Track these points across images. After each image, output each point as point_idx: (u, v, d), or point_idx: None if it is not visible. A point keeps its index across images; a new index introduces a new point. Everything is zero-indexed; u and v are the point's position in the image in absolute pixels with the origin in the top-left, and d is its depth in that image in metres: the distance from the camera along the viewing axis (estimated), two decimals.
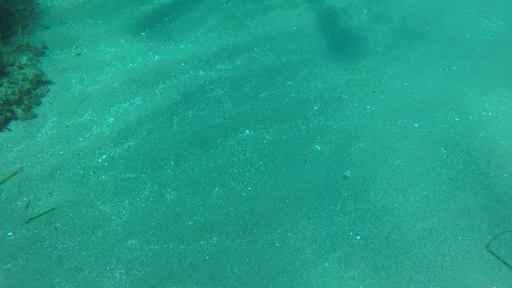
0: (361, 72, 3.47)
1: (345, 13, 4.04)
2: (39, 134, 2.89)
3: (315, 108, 3.17)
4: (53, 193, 2.61)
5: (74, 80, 3.26)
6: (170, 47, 3.59)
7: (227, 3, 3.99)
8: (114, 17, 3.84)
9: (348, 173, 2.77)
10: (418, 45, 3.79)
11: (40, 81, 3.14)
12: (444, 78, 3.50)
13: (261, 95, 3.25)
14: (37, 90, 3.11)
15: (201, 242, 2.42)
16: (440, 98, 3.33)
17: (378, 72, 3.50)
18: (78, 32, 3.65)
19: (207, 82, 3.29)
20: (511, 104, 3.28)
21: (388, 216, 2.58)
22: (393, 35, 3.84)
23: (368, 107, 3.23)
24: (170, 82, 3.30)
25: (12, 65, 3.08)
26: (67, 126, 2.96)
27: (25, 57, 3.21)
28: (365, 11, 4.09)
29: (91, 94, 3.15)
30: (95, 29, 3.70)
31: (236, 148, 2.89)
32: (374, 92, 3.34)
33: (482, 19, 4.11)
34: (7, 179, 2.61)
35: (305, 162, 2.81)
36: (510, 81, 3.45)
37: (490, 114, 3.28)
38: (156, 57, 3.50)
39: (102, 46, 3.57)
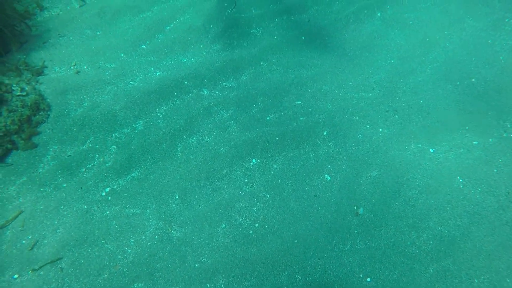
0: (373, 89, 3.28)
1: (357, 18, 3.78)
2: (41, 165, 2.83)
3: (325, 133, 3.02)
4: (58, 230, 2.58)
5: (74, 102, 3.14)
6: (172, 62, 3.42)
7: (232, 9, 3.75)
8: (113, 27, 3.65)
9: (361, 211, 2.67)
10: (435, 54, 3.55)
11: (40, 107, 3.03)
12: (462, 93, 3.30)
13: (268, 118, 3.10)
14: (37, 116, 3.01)
15: (208, 286, 2.39)
16: (457, 118, 3.15)
17: (392, 88, 3.30)
18: (77, 47, 3.48)
19: (211, 104, 3.15)
20: None
21: (399, 256, 2.50)
22: (408, 43, 3.60)
23: (380, 129, 3.07)
24: (173, 103, 3.17)
25: (10, 91, 2.97)
26: (69, 155, 2.88)
27: (23, 82, 3.08)
28: (379, 14, 3.82)
29: (92, 119, 3.05)
30: (94, 42, 3.53)
31: (242, 179, 2.80)
32: (387, 111, 3.17)
33: (507, 20, 3.82)
34: (8, 224, 2.57)
35: (314, 196, 2.71)
36: None
37: (511, 136, 3.10)
38: (158, 73, 3.35)
39: (102, 62, 3.42)
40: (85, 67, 3.39)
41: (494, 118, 3.18)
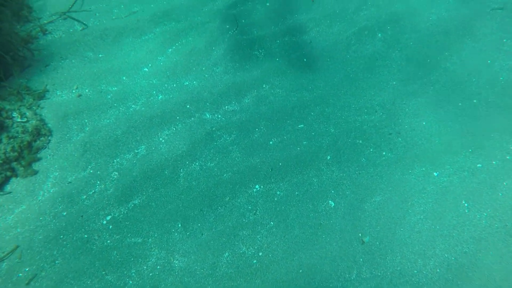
0: (376, 112, 3.27)
1: (358, 39, 3.79)
2: (41, 193, 2.79)
3: (328, 157, 3.00)
4: (57, 262, 2.52)
5: (75, 127, 3.12)
6: (174, 85, 3.42)
7: (234, 30, 3.76)
8: (115, 50, 3.65)
9: (367, 239, 2.63)
10: (436, 76, 3.55)
11: (41, 132, 3.01)
12: (464, 115, 3.29)
13: (271, 142, 3.08)
14: (38, 142, 2.98)
15: None
16: (460, 141, 3.13)
17: (394, 110, 3.30)
18: (79, 70, 3.48)
19: (214, 128, 3.13)
20: None
21: (406, 285, 2.46)
22: (409, 64, 3.60)
23: (384, 153, 3.05)
24: (175, 128, 3.14)
25: (11, 117, 2.95)
26: (69, 182, 2.84)
27: (24, 107, 3.07)
28: (379, 35, 3.84)
29: (93, 144, 3.02)
30: (96, 65, 3.52)
31: (246, 206, 2.76)
32: (390, 134, 3.15)
33: (505, 40, 3.84)
34: (3, 259, 2.52)
35: (319, 224, 2.67)
36: None
37: None
38: (160, 97, 3.34)
39: (104, 85, 3.40)
40: (86, 90, 3.38)
41: (497, 140, 3.16)
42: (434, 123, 3.24)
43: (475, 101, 3.40)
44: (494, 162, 3.07)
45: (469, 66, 3.62)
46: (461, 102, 3.38)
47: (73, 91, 3.37)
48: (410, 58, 3.62)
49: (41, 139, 3.01)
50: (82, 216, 2.70)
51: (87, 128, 3.13)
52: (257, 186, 2.85)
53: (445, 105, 3.36)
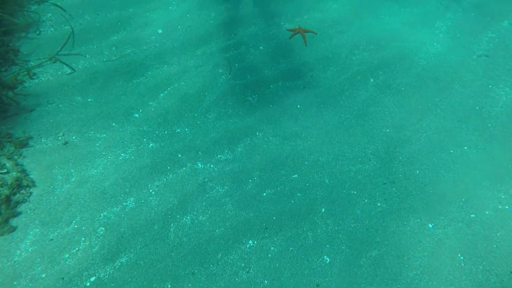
0: (370, 161, 3.25)
1: (351, 84, 3.82)
2: (18, 252, 2.63)
3: (323, 210, 2.94)
4: None
5: (60, 177, 2.99)
6: (166, 132, 3.34)
7: (227, 75, 3.74)
8: (105, 94, 3.58)
9: None
10: (428, 122, 3.58)
11: (22, 184, 2.87)
12: (456, 163, 3.30)
13: (264, 194, 3.01)
14: (18, 195, 2.84)
15: None
16: (453, 190, 3.12)
17: (388, 159, 3.28)
18: (66, 115, 3.38)
19: (206, 179, 3.05)
20: None
21: None
22: (401, 110, 3.63)
23: (379, 204, 3.01)
24: (166, 179, 3.05)
25: None
26: (51, 239, 2.69)
27: (5, 157, 2.93)
28: (372, 80, 3.88)
29: (79, 197, 2.89)
30: (84, 110, 3.43)
31: (239, 264, 2.65)
32: (384, 184, 3.12)
33: (490, 86, 3.93)
34: None
35: (316, 285, 2.58)
36: None
37: (507, 207, 3.08)
38: (150, 145, 3.25)
39: (92, 132, 3.31)
40: (73, 137, 3.27)
41: (489, 189, 3.17)
42: (427, 172, 3.23)
43: (466, 147, 3.42)
44: (487, 212, 3.06)
45: (459, 112, 3.67)
46: (452, 149, 3.39)
47: (59, 138, 3.27)
48: (402, 103, 3.65)
49: (21, 191, 2.87)
50: (63, 278, 2.54)
51: (73, 179, 3.01)
52: (250, 242, 2.76)
53: (438, 152, 3.37)
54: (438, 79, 3.90)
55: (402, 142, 3.39)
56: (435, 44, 4.29)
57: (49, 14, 4.15)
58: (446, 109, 3.67)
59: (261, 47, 4.05)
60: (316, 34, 4.21)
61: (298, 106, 3.55)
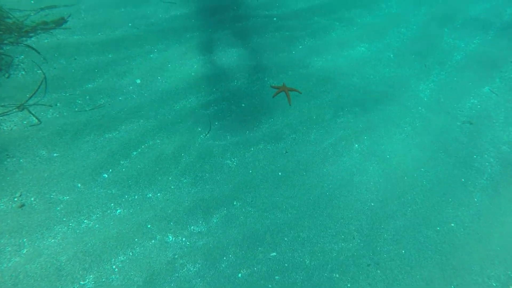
0: (353, 238, 3.05)
1: (335, 150, 3.68)
2: None
3: None
4: None
5: (9, 248, 2.65)
6: (136, 197, 3.07)
7: (206, 134, 3.54)
8: (73, 149, 3.30)
9: None
10: (413, 195, 3.45)
11: None
12: (443, 242, 3.14)
13: (239, 275, 2.74)
14: None
15: None
16: (441, 275, 2.94)
17: (373, 236, 3.09)
18: (26, 172, 3.07)
19: (176, 255, 2.76)
20: None
21: None
22: (387, 182, 3.49)
23: None
24: (132, 253, 2.75)
25: None
26: None
27: None
28: (356, 145, 3.76)
29: (28, 275, 2.55)
30: (48, 167, 3.13)
31: None
32: (368, 265, 2.91)
33: (475, 156, 3.86)
34: None
35: None
36: None
37: None
38: (118, 211, 2.96)
39: (54, 193, 3.00)
40: (32, 199, 2.96)
41: (478, 274, 3.01)
42: (413, 252, 3.06)
43: (452, 224, 3.29)
44: None
45: (445, 185, 3.56)
46: (439, 226, 3.25)
47: (15, 199, 2.95)
48: (387, 173, 3.53)
49: None
50: None
51: (25, 251, 2.67)
52: None
53: (424, 229, 3.21)
54: (424, 147, 3.82)
55: (387, 217, 3.23)
56: (419, 108, 4.26)
57: (22, 56, 3.91)
58: (432, 181, 3.56)
59: (243, 104, 3.90)
60: (301, 93, 4.11)
61: (279, 174, 3.36)
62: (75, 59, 4.04)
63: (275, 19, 5.07)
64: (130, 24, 4.52)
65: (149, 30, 4.48)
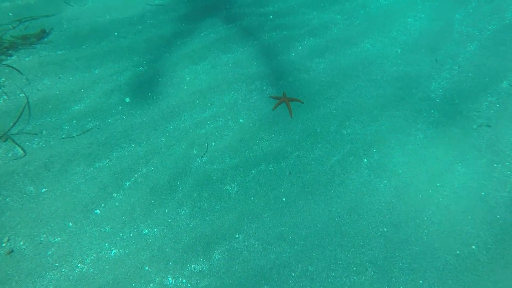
0: (366, 270, 2.84)
1: (343, 168, 3.41)
2: None
3: None
4: None
5: None
6: (131, 234, 2.87)
7: (202, 157, 3.29)
8: (62, 183, 3.09)
9: None
10: (429, 214, 3.23)
11: None
12: (464, 269, 2.95)
13: None
14: None
15: None
16: None
17: (387, 266, 2.88)
18: (14, 213, 2.87)
19: None
20: None
21: None
22: (400, 202, 3.24)
23: None
24: None
25: None
26: None
27: None
28: (365, 160, 3.49)
29: None
30: (37, 206, 2.93)
31: None
32: None
33: (495, 165, 3.60)
34: None
35: None
36: None
37: None
38: (113, 252, 2.77)
39: (44, 235, 2.81)
40: (21, 243, 2.77)
41: None
42: (432, 282, 2.84)
43: (474, 247, 3.05)
44: None
45: (463, 201, 3.30)
46: (459, 249, 3.02)
47: (3, 245, 2.77)
48: (399, 191, 3.27)
49: None
50: None
51: None
52: None
53: (442, 254, 2.98)
54: (438, 158, 3.54)
55: (402, 242, 3.00)
56: (432, 111, 3.95)
57: (3, 79, 3.64)
58: (449, 197, 3.30)
59: (241, 120, 3.62)
60: (303, 103, 3.81)
61: (284, 199, 3.12)
62: (59, 77, 3.76)
63: (271, 16, 4.70)
64: (116, 33, 4.19)
65: (136, 39, 4.16)
